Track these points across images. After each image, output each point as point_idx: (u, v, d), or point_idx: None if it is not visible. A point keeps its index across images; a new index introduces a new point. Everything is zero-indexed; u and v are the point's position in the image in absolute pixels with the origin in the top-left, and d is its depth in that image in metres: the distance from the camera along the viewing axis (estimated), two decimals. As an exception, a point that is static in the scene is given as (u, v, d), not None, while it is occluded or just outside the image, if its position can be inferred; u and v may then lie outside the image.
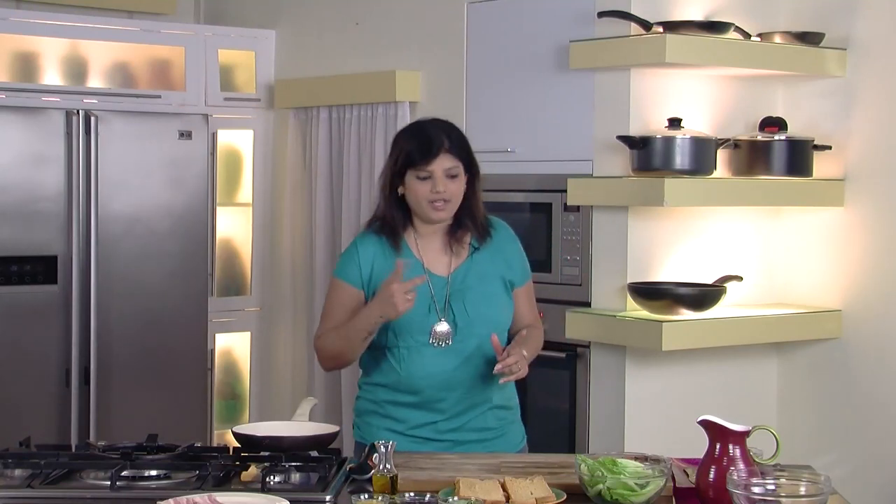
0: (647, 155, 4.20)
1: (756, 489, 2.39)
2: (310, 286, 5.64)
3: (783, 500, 2.41)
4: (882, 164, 4.41)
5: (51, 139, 5.07)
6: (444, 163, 3.17)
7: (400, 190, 3.22)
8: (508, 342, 3.24)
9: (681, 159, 4.20)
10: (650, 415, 4.36)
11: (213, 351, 5.73)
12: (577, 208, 4.46)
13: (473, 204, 3.26)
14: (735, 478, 2.41)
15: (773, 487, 2.43)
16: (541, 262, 4.47)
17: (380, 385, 3.27)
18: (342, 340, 3.25)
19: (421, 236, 3.26)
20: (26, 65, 5.48)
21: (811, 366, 4.60)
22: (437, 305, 3.19)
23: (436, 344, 3.18)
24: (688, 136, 4.21)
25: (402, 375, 3.21)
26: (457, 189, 3.20)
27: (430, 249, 3.26)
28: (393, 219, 3.23)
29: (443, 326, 3.19)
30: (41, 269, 5.06)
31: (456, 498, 2.49)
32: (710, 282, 4.37)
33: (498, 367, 3.08)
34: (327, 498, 2.62)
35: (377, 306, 3.12)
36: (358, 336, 3.20)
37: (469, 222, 3.25)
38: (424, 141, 3.18)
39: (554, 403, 4.56)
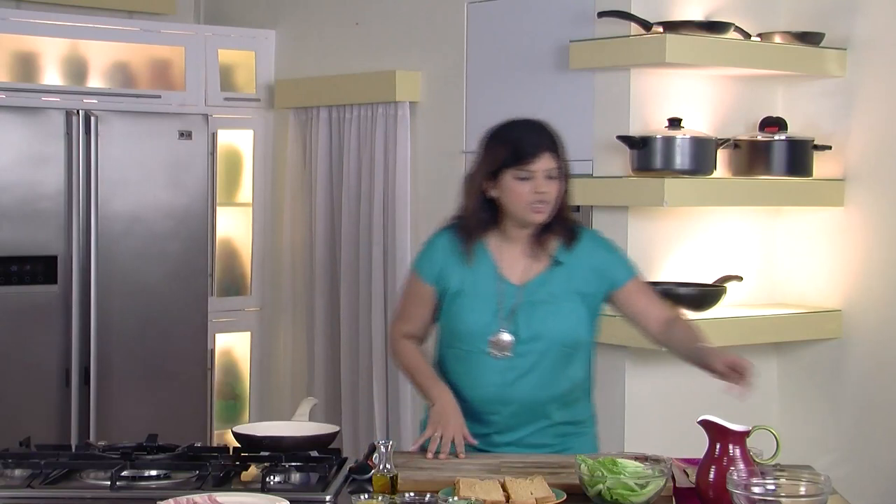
0: (647, 155, 4.20)
1: (756, 489, 2.39)
2: (310, 286, 5.64)
3: (783, 500, 2.41)
4: (882, 164, 4.41)
5: (51, 139, 5.07)
6: (546, 163, 3.04)
7: (490, 192, 3.09)
8: (579, 358, 3.15)
9: (681, 159, 4.20)
10: (650, 415, 4.36)
11: (213, 351, 5.73)
12: (577, 208, 4.45)
13: (563, 208, 3.11)
14: (735, 478, 2.41)
15: (773, 487, 2.43)
16: (541, 262, 4.46)
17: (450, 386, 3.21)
18: (405, 369, 3.25)
19: (506, 239, 3.13)
20: (26, 65, 5.47)
21: (811, 366, 4.60)
22: (502, 314, 3.10)
23: (495, 354, 3.09)
24: (688, 136, 4.21)
25: (464, 382, 3.14)
26: (556, 190, 3.06)
27: (510, 254, 3.13)
28: (477, 221, 3.11)
29: (505, 336, 3.08)
30: (41, 269, 5.06)
31: (456, 498, 2.49)
32: (710, 282, 4.37)
33: (728, 384, 2.94)
34: (327, 498, 2.62)
35: (440, 406, 3.08)
36: (414, 383, 3.22)
37: (558, 227, 3.11)
38: (527, 140, 3.06)
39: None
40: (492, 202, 3.10)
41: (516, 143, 3.06)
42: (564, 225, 3.13)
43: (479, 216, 3.11)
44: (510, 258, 3.13)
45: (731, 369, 2.96)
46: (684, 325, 3.19)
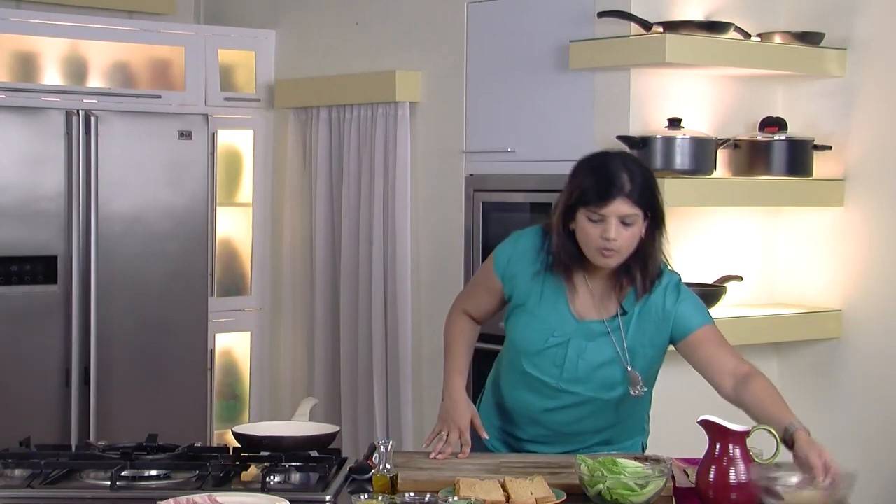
0: (647, 155, 4.20)
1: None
2: (310, 286, 5.64)
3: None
4: (882, 164, 4.41)
5: (51, 139, 5.07)
6: (620, 208, 2.85)
7: (571, 225, 2.94)
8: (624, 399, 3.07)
9: (681, 159, 4.20)
10: (650, 415, 4.35)
11: (213, 351, 5.73)
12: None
13: (648, 253, 2.94)
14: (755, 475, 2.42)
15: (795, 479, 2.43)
16: (541, 262, 4.46)
17: (492, 395, 3.20)
18: (445, 343, 3.24)
19: (586, 273, 2.99)
20: (26, 65, 5.47)
21: (811, 366, 4.60)
22: (569, 349, 2.99)
23: (563, 388, 3.00)
24: (688, 136, 4.21)
25: (507, 387, 3.13)
26: (630, 238, 2.89)
27: (584, 288, 3.00)
28: (565, 252, 2.96)
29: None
30: (41, 269, 5.06)
31: (456, 498, 2.49)
32: (710, 282, 4.37)
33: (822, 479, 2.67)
34: (327, 498, 2.62)
35: (450, 400, 3.08)
36: (445, 362, 3.21)
37: (637, 271, 2.95)
38: (603, 180, 2.87)
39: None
40: (573, 233, 2.97)
41: (593, 181, 2.89)
42: (645, 272, 2.96)
43: (566, 247, 2.97)
44: (583, 293, 3.01)
45: (825, 468, 2.70)
46: (761, 384, 2.98)
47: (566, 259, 2.97)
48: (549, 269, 3.00)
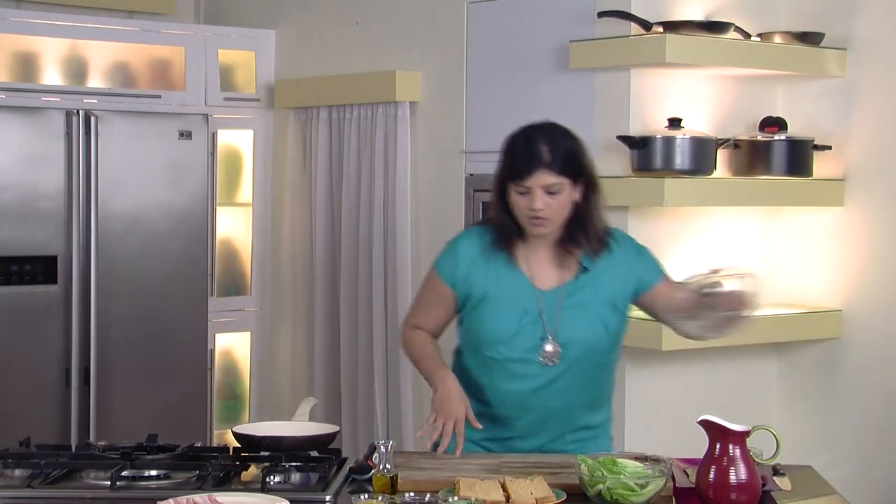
0: (647, 155, 4.20)
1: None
2: (310, 286, 5.64)
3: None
4: (882, 164, 4.41)
5: (51, 139, 5.07)
6: (542, 179, 2.96)
7: (507, 200, 3.05)
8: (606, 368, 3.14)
9: (681, 159, 4.20)
10: (650, 415, 4.36)
11: (213, 351, 5.73)
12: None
13: (586, 217, 3.04)
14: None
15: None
16: (541, 262, 4.46)
17: (468, 391, 3.15)
18: (415, 357, 3.24)
19: (530, 246, 3.08)
20: (26, 65, 5.47)
21: (811, 366, 4.60)
22: (529, 320, 3.04)
23: (545, 362, 3.04)
24: (688, 136, 4.21)
25: (484, 384, 3.11)
26: (559, 206, 2.99)
27: (537, 261, 3.08)
28: (504, 226, 3.06)
29: (549, 347, 3.03)
30: (41, 269, 5.06)
31: (456, 498, 2.49)
32: (710, 282, 4.36)
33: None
34: (327, 498, 2.63)
35: (435, 386, 3.08)
36: (420, 370, 3.21)
37: (581, 236, 3.04)
38: (525, 154, 2.98)
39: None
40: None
41: (513, 157, 3.01)
42: (588, 235, 3.05)
43: (505, 220, 3.06)
44: (537, 265, 3.08)
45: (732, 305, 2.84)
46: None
47: (507, 231, 3.06)
48: (493, 247, 3.07)
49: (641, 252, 3.16)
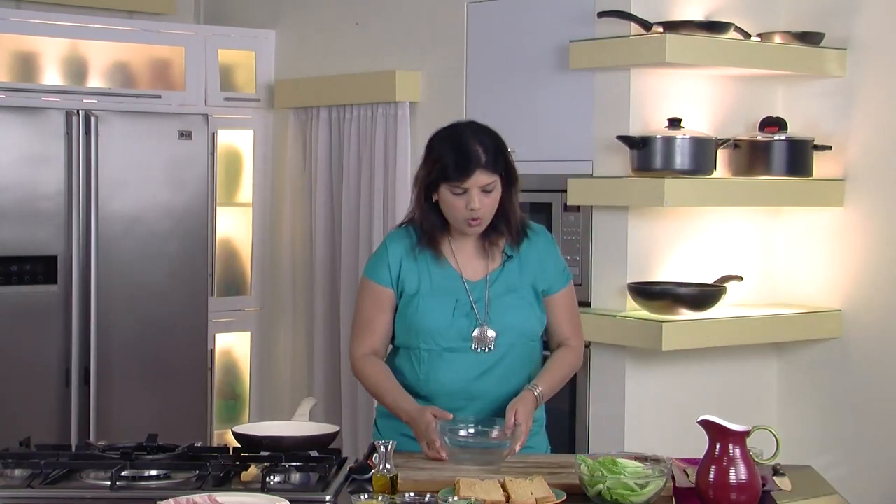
0: (647, 155, 4.20)
1: None
2: (310, 286, 5.64)
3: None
4: (882, 164, 4.41)
5: (51, 139, 5.07)
6: (479, 179, 3.02)
7: (434, 197, 3.09)
8: (545, 349, 3.22)
9: (681, 159, 4.20)
10: (650, 415, 4.36)
11: (213, 351, 5.73)
12: (577, 208, 4.46)
13: (509, 209, 3.12)
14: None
15: None
16: (541, 262, 4.46)
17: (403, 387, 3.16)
18: (376, 393, 3.18)
19: (455, 240, 3.15)
20: (26, 65, 5.47)
21: (811, 366, 4.60)
22: (462, 310, 3.10)
23: (478, 349, 3.09)
24: (688, 136, 4.21)
25: (421, 379, 3.13)
26: (491, 203, 3.07)
27: (463, 253, 3.15)
28: (430, 225, 3.12)
29: (489, 332, 3.09)
30: (41, 269, 5.06)
31: (456, 498, 2.49)
32: (710, 282, 4.37)
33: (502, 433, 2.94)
34: (327, 498, 2.62)
35: (410, 416, 3.04)
36: (384, 404, 3.17)
37: (504, 227, 3.13)
38: (461, 156, 3.02)
39: (554, 403, 4.54)
40: (438, 206, 3.11)
41: (451, 158, 3.03)
42: (509, 225, 3.13)
43: (431, 220, 3.12)
44: (464, 257, 3.15)
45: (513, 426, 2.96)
46: (561, 354, 3.21)
47: (433, 229, 3.11)
48: (420, 245, 3.13)
49: (557, 254, 3.25)
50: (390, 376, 3.16)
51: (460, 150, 3.04)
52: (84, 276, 5.12)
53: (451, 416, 3.01)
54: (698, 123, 4.38)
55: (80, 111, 5.12)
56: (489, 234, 3.14)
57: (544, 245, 3.22)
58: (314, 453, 2.93)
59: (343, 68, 5.51)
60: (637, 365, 4.33)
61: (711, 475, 2.57)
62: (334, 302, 5.51)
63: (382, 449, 2.66)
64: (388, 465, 2.65)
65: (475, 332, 3.09)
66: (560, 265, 3.25)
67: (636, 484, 2.55)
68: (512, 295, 3.14)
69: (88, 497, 2.65)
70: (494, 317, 3.11)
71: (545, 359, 3.24)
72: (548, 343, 3.27)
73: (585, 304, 4.42)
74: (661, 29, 4.19)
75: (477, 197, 3.03)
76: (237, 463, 2.84)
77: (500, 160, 3.07)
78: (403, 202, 5.17)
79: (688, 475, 2.79)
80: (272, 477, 2.70)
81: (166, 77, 5.75)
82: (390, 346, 3.26)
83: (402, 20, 5.29)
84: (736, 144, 4.43)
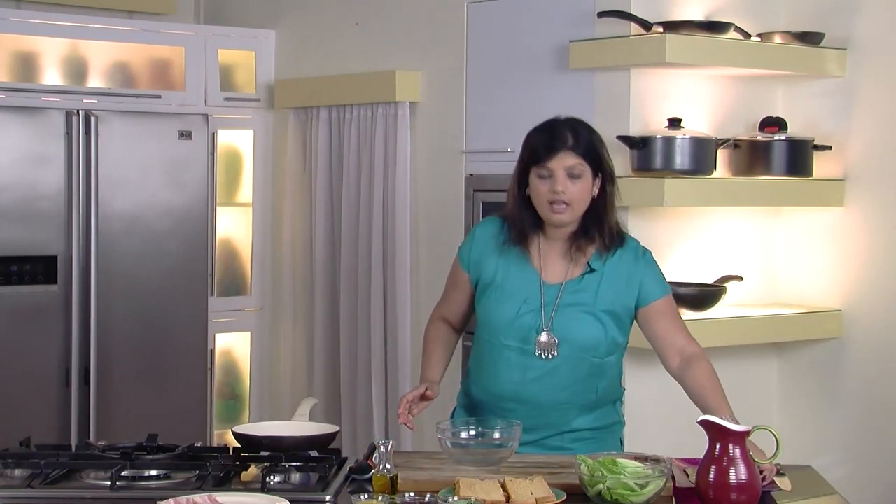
0: (647, 155, 4.20)
1: None
2: (310, 286, 5.64)
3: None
4: (882, 164, 4.41)
5: (51, 139, 5.07)
6: (565, 160, 3.00)
7: (527, 190, 3.08)
8: (599, 366, 3.11)
9: (681, 159, 4.20)
10: (650, 415, 4.36)
11: (213, 351, 5.73)
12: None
13: (602, 212, 3.06)
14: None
15: None
16: (541, 262, 4.46)
17: (472, 377, 3.23)
18: (423, 350, 3.32)
19: (547, 240, 3.11)
20: (26, 65, 5.47)
21: (811, 366, 4.60)
22: (530, 309, 3.07)
23: (541, 354, 3.05)
24: (688, 136, 4.21)
25: (484, 368, 3.15)
26: (579, 191, 3.02)
27: (549, 254, 3.10)
28: (521, 220, 3.09)
29: (545, 338, 3.06)
30: (41, 269, 5.06)
31: (456, 498, 2.49)
32: (710, 282, 4.37)
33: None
34: (327, 498, 2.62)
35: (424, 377, 3.22)
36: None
37: (595, 231, 3.06)
38: (548, 136, 3.04)
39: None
40: (530, 200, 3.09)
41: (536, 140, 3.06)
42: (602, 230, 3.07)
43: (523, 215, 3.10)
44: (548, 258, 3.11)
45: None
46: (705, 370, 3.05)
47: (523, 224, 3.09)
48: (509, 241, 3.12)
49: (650, 263, 3.14)
50: (438, 345, 3.27)
51: (550, 131, 3.06)
52: (84, 276, 5.12)
53: (433, 394, 3.13)
54: (698, 123, 4.38)
55: (80, 111, 5.12)
56: (578, 238, 3.08)
57: (633, 259, 3.11)
58: (314, 453, 2.93)
59: (343, 68, 5.51)
60: (637, 365, 4.32)
61: (711, 475, 2.57)
62: (334, 302, 5.51)
63: (382, 449, 2.66)
64: (388, 465, 2.65)
65: (542, 337, 3.05)
66: (654, 278, 3.12)
67: (636, 484, 2.55)
68: (581, 307, 3.07)
69: (88, 497, 2.66)
70: (558, 325, 3.06)
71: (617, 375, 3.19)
72: (662, 362, 3.12)
73: (585, 304, 4.42)
74: (661, 29, 4.19)
75: (561, 180, 3.00)
76: (237, 463, 2.84)
77: (591, 150, 3.04)
78: (403, 202, 5.17)
79: (688, 475, 2.79)
80: (272, 477, 2.70)
81: (166, 77, 5.75)
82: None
83: (402, 20, 5.29)
84: (736, 144, 4.43)
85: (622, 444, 3.27)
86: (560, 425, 3.11)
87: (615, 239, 3.10)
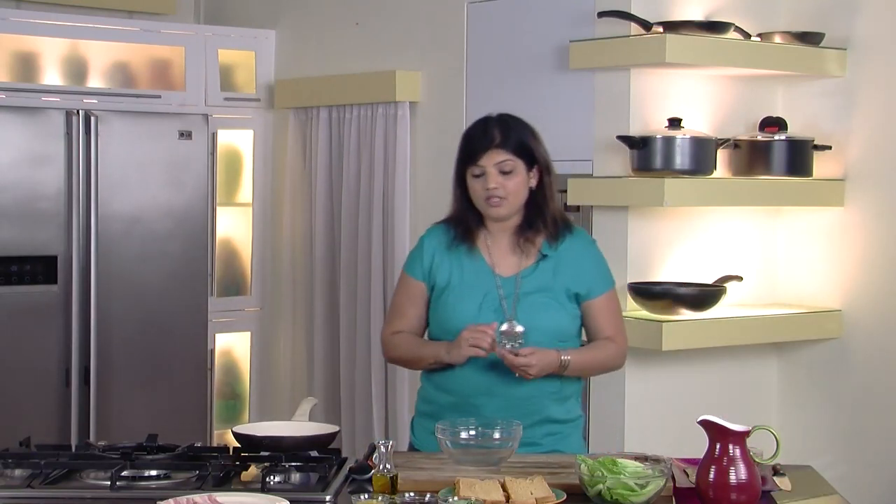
0: (647, 155, 4.20)
1: None
2: (310, 286, 5.64)
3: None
4: (882, 164, 4.41)
5: (51, 139, 5.07)
6: (494, 157, 3.11)
7: (466, 191, 3.19)
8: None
9: (681, 159, 4.20)
10: (650, 415, 4.36)
11: (213, 351, 5.73)
12: (578, 208, 4.46)
13: (542, 202, 3.17)
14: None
15: None
16: (541, 262, 4.46)
17: (430, 382, 3.23)
18: (413, 354, 3.23)
19: (491, 234, 3.20)
20: (26, 65, 5.47)
21: (811, 366, 4.60)
22: (491, 305, 3.11)
23: (505, 344, 3.07)
24: (688, 136, 4.21)
25: (446, 373, 3.15)
26: (513, 186, 3.12)
27: (498, 249, 3.19)
28: (465, 218, 3.19)
29: (518, 327, 3.08)
30: (41, 269, 5.06)
31: (456, 498, 2.49)
32: (710, 282, 4.37)
33: (507, 355, 3.01)
34: (327, 498, 2.62)
35: (447, 346, 3.10)
36: (424, 360, 3.20)
37: (539, 222, 3.16)
38: (477, 136, 3.15)
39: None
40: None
41: (468, 140, 3.18)
42: (545, 220, 3.16)
43: (466, 214, 3.19)
44: (498, 253, 3.18)
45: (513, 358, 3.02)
46: (599, 344, 3.20)
47: (468, 221, 3.18)
48: (456, 240, 3.18)
49: (599, 257, 3.26)
50: (420, 339, 3.23)
51: (478, 131, 3.17)
52: (84, 276, 5.12)
53: (492, 326, 3.04)
54: (698, 123, 4.38)
55: (80, 111, 5.12)
56: (524, 231, 3.17)
57: (583, 247, 3.23)
58: (314, 453, 2.93)
59: (343, 68, 5.51)
60: (637, 365, 4.32)
61: (711, 475, 2.57)
62: (334, 302, 5.51)
63: (382, 449, 2.66)
64: (388, 465, 2.65)
65: (503, 327, 3.08)
66: (601, 270, 3.24)
67: (636, 484, 2.55)
68: (542, 294, 3.14)
69: (88, 497, 2.65)
70: (522, 314, 3.11)
71: None
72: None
73: (585, 304, 4.42)
74: (661, 29, 4.19)
75: (494, 176, 3.10)
76: (237, 463, 2.84)
77: (521, 145, 3.13)
78: (403, 202, 5.17)
79: (688, 475, 2.79)
80: (272, 477, 2.70)
81: (166, 77, 5.75)
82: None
83: (402, 20, 5.29)
84: (736, 144, 4.43)
85: (586, 439, 3.30)
86: (530, 418, 3.10)
87: (560, 226, 3.19)
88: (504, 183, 3.11)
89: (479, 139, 3.13)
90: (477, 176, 3.13)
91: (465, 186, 3.19)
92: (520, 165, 3.13)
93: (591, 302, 3.20)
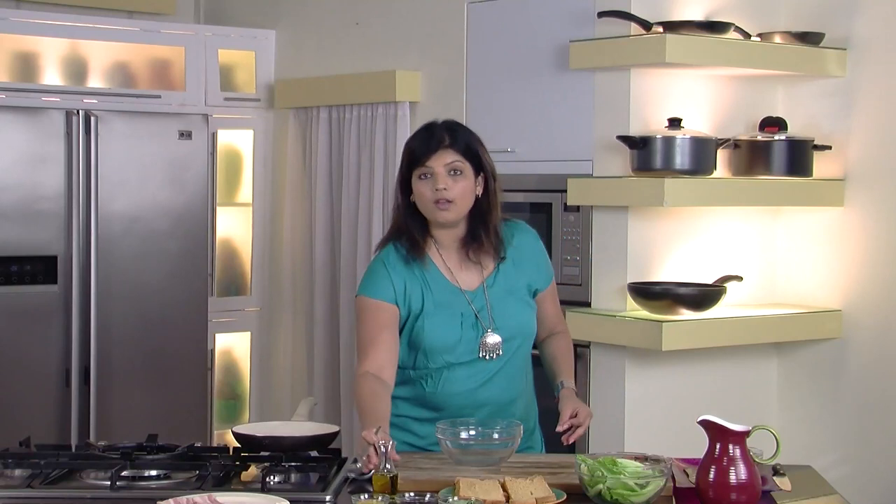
0: (647, 155, 4.20)
1: None
2: (310, 286, 5.64)
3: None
4: (882, 164, 4.41)
5: (51, 139, 5.07)
6: (444, 158, 3.02)
7: (412, 198, 3.07)
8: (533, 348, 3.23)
9: (681, 159, 4.20)
10: (650, 415, 4.36)
11: (213, 351, 5.73)
12: (577, 208, 4.47)
13: (487, 210, 3.08)
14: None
15: None
16: (541, 262, 4.46)
17: (402, 399, 3.13)
18: (360, 408, 2.99)
19: (442, 247, 3.11)
20: (26, 65, 5.47)
21: (811, 366, 4.60)
22: (467, 322, 3.07)
23: (487, 356, 3.07)
24: (688, 136, 4.21)
25: (427, 392, 3.10)
26: (462, 189, 3.03)
27: (453, 263, 3.12)
28: (410, 229, 3.08)
29: (491, 339, 3.07)
30: (41, 269, 5.06)
31: (456, 498, 2.49)
32: (710, 282, 4.37)
33: (563, 426, 3.01)
34: (327, 498, 2.62)
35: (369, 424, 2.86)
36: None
37: (482, 233, 3.08)
38: (425, 137, 3.06)
39: (553, 403, 4.54)
40: (418, 210, 3.09)
41: (414, 143, 3.08)
42: (488, 232, 3.09)
43: (411, 224, 3.09)
44: (456, 268, 3.12)
45: (571, 424, 3.04)
46: (563, 342, 3.28)
47: (413, 232, 3.08)
48: (409, 256, 3.08)
49: (543, 249, 3.25)
50: (376, 400, 2.95)
51: (426, 133, 3.08)
52: (84, 276, 5.12)
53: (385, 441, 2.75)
54: (698, 123, 4.38)
55: (80, 111, 5.13)
56: (468, 244, 3.10)
57: (533, 239, 3.23)
58: (314, 453, 2.93)
59: (343, 68, 5.51)
60: (637, 365, 4.33)
61: (711, 475, 2.57)
62: (334, 302, 5.51)
63: (382, 449, 2.66)
64: (388, 465, 2.65)
65: (487, 340, 3.07)
66: (547, 261, 3.27)
67: (636, 484, 2.55)
68: (510, 296, 3.13)
69: (88, 497, 2.66)
70: (499, 321, 3.10)
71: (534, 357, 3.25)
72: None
73: (585, 304, 4.42)
74: (661, 29, 4.19)
75: (443, 177, 3.01)
76: (237, 463, 2.84)
77: (469, 149, 3.07)
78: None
79: (688, 475, 2.79)
80: (272, 477, 2.70)
81: (166, 77, 5.75)
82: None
83: (402, 20, 5.29)
84: (736, 144, 4.43)
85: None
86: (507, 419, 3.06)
87: (500, 239, 3.12)
88: (453, 185, 3.02)
89: (427, 141, 3.04)
90: (424, 179, 3.03)
91: (408, 194, 3.07)
92: (468, 168, 3.05)
93: (542, 294, 3.22)
